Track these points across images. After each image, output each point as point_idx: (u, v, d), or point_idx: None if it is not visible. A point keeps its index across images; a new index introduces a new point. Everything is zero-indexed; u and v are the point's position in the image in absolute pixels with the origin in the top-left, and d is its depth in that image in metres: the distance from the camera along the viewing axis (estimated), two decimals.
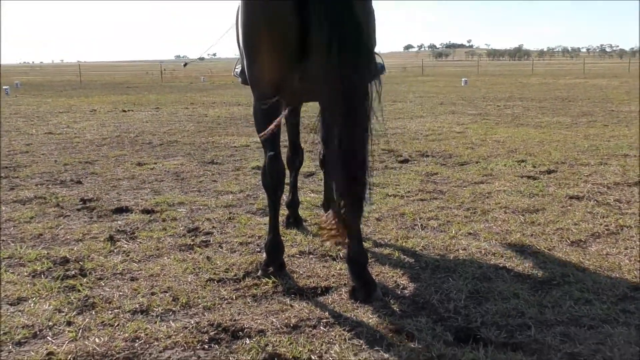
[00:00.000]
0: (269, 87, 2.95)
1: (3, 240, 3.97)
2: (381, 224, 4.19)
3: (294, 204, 4.13)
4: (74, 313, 2.76)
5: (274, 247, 3.17)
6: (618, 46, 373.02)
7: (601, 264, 3.32)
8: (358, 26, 2.60)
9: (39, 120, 12.74)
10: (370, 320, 2.64)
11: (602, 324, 2.56)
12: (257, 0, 2.78)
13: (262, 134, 2.98)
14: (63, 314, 2.75)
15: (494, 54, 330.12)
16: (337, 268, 3.29)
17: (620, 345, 2.38)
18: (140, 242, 3.85)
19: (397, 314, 2.70)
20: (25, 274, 3.30)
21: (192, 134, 9.86)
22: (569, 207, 4.54)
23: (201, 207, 4.78)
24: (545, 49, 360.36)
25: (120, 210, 4.71)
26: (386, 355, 2.34)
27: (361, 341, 2.45)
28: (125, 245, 3.79)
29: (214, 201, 4.98)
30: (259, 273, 3.18)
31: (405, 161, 6.80)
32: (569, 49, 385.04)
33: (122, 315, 2.72)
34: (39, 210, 4.78)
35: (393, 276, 3.17)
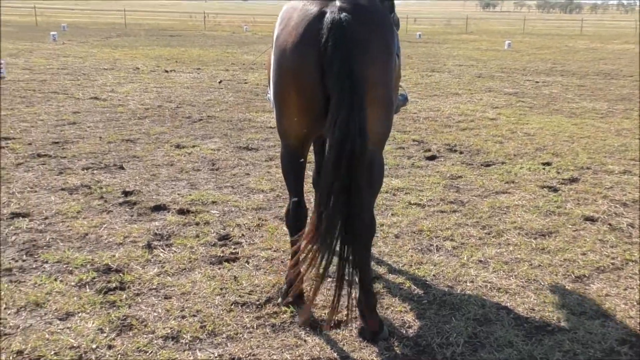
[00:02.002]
0: (296, 140, 3.21)
1: (53, 239, 4.39)
2: (399, 243, 4.47)
3: None
4: (114, 335, 3.14)
5: (294, 279, 3.48)
6: None
7: (599, 307, 3.55)
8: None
9: (85, 79, 13.18)
10: None
11: None
12: (286, 62, 3.00)
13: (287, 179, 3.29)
14: (105, 335, 3.14)
15: (544, 5, 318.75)
16: (352, 298, 3.59)
17: None
18: (175, 252, 4.22)
19: (399, 357, 3.01)
20: (73, 283, 3.69)
21: (231, 107, 10.16)
22: (581, 232, 4.73)
23: (233, 209, 5.12)
24: (599, 3, 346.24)
25: (159, 209, 5.08)
26: None
27: None
28: (161, 254, 4.16)
29: (246, 202, 5.30)
30: (279, 300, 3.51)
31: (433, 157, 7.00)
32: (624, 2, 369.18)
33: (155, 341, 3.09)
34: (85, 203, 5.18)
35: (401, 311, 3.47)
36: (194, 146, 7.33)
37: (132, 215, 4.94)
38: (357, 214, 2.89)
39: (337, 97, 2.78)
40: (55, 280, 3.73)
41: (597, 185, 5.99)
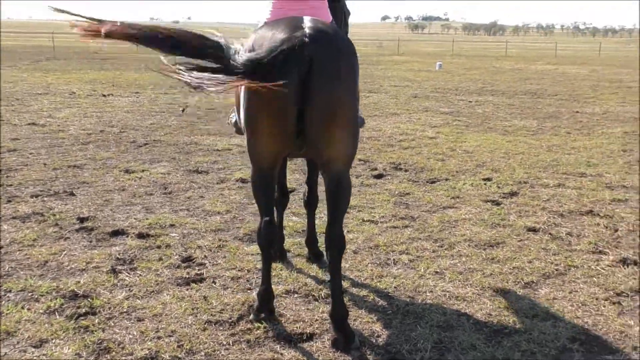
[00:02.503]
0: (268, 162, 3.36)
1: (12, 268, 4.35)
2: (357, 258, 4.66)
3: (279, 240, 4.56)
4: (92, 358, 3.18)
5: (266, 296, 3.61)
6: (592, 24, 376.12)
7: (548, 310, 3.83)
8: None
9: (19, 104, 12.88)
10: None
11: None
12: (259, 98, 3.14)
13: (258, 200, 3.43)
14: (83, 359, 3.17)
15: (469, 28, 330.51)
16: (320, 311, 3.75)
17: None
18: (140, 275, 4.26)
19: None
20: (41, 311, 3.68)
21: (175, 131, 10.17)
22: (526, 242, 5.05)
23: (192, 232, 5.18)
24: (520, 25, 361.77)
25: (117, 233, 5.09)
26: None
27: None
28: (127, 278, 4.19)
29: (203, 224, 5.37)
30: (251, 317, 3.62)
31: (380, 176, 7.26)
32: (544, 25, 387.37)
33: None
34: (40, 230, 5.13)
35: (368, 322, 3.64)
36: (143, 170, 7.33)
37: (90, 241, 4.93)
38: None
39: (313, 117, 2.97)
40: (23, 308, 3.71)
41: (535, 198, 6.37)
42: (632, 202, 6.24)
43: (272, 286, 3.77)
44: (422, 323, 3.62)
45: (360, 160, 8.08)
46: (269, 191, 3.47)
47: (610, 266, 4.54)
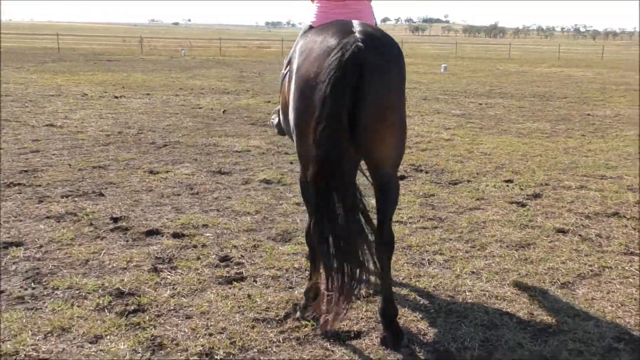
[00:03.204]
0: (317, 164, 3.41)
1: (55, 267, 4.41)
2: (393, 258, 4.69)
3: None
4: (149, 354, 3.24)
5: (315, 292, 3.67)
6: (592, 26, 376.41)
7: (588, 310, 3.89)
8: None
9: (33, 106, 12.94)
10: None
11: None
12: (310, 91, 3.21)
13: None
14: (139, 355, 3.23)
15: (470, 30, 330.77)
16: (363, 310, 3.81)
17: None
18: (182, 274, 4.32)
19: None
20: (91, 308, 3.75)
21: (192, 132, 10.24)
22: (556, 243, 5.11)
23: (225, 231, 5.24)
24: (520, 27, 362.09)
25: (152, 233, 5.15)
26: None
27: None
28: (169, 277, 4.26)
29: (235, 224, 5.44)
30: (298, 315, 3.68)
31: (402, 177, 7.32)
32: (544, 27, 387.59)
33: (191, 358, 3.21)
34: (76, 230, 5.19)
35: (413, 320, 3.71)
36: (167, 171, 7.40)
37: (127, 241, 5.00)
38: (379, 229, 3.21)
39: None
40: (73, 305, 3.77)
41: (559, 200, 6.44)
42: None
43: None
44: (466, 322, 3.68)
45: None
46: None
47: None
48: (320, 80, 3.12)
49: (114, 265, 4.47)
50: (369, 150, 3.28)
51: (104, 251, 4.73)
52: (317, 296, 3.70)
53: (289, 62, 3.68)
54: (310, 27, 3.93)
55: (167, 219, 5.56)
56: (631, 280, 4.37)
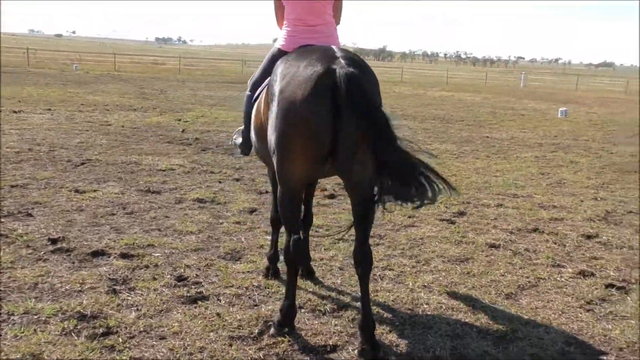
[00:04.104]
0: (298, 184, 3.52)
1: (2, 291, 4.19)
2: (345, 274, 4.87)
3: (275, 257, 4.69)
4: None
5: (291, 311, 3.75)
6: (472, 54, 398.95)
7: (535, 318, 4.22)
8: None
9: None
10: None
11: None
12: (295, 113, 3.32)
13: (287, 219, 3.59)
14: None
15: (360, 53, 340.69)
16: (333, 324, 3.94)
17: None
18: (142, 295, 4.24)
19: None
20: (57, 332, 3.61)
21: (108, 150, 9.94)
22: (492, 257, 5.47)
23: (174, 251, 5.18)
24: (407, 52, 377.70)
25: (97, 254, 5.01)
26: None
27: None
28: (130, 298, 4.17)
29: (181, 244, 5.39)
30: (273, 332, 3.74)
31: (333, 196, 7.52)
32: (428, 53, 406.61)
33: None
34: (13, 252, 4.94)
35: (383, 332, 3.87)
36: (94, 190, 7.17)
37: (73, 262, 4.83)
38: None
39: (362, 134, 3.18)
40: (36, 331, 3.62)
41: (483, 217, 6.87)
42: (568, 221, 6.87)
43: (276, 302, 3.91)
44: (432, 332, 3.89)
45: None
46: (296, 211, 3.64)
47: (572, 278, 5.04)
48: (309, 103, 3.25)
49: (67, 287, 4.31)
50: (349, 171, 3.43)
51: (51, 274, 4.54)
52: (293, 314, 3.79)
53: (266, 85, 3.78)
54: (280, 51, 4.06)
55: (109, 239, 5.41)
56: (564, 289, 4.78)
